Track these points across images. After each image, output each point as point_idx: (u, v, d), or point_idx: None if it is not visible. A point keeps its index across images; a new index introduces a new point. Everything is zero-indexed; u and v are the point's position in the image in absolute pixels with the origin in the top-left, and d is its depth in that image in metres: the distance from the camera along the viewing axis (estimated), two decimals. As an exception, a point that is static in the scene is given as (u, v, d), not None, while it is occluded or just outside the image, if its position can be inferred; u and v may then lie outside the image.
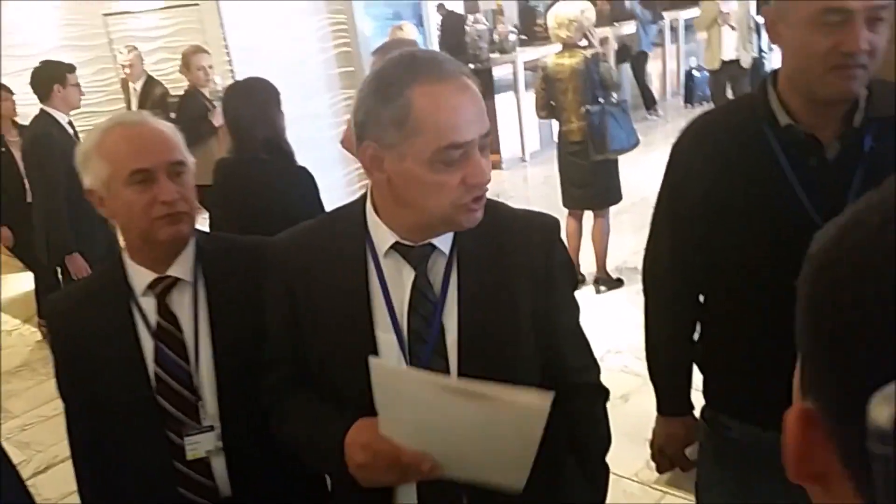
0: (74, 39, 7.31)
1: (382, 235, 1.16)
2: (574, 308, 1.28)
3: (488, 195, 1.12)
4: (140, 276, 1.37)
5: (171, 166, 1.32)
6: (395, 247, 1.15)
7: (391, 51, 2.62)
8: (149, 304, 1.37)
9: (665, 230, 1.44)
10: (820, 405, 0.40)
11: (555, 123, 4.63)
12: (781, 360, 1.28)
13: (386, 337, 1.16)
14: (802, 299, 0.41)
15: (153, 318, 1.36)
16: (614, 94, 4.30)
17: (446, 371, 1.14)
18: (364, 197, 1.21)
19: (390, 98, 1.05)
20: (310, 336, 1.20)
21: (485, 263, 1.17)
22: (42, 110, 3.96)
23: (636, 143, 4.34)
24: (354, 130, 1.11)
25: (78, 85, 4.09)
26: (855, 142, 1.20)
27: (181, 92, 6.23)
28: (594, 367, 1.31)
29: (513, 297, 1.18)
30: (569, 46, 4.18)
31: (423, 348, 1.15)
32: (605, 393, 1.31)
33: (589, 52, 4.15)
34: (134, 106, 5.79)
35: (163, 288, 1.37)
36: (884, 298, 0.35)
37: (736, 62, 6.93)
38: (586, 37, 4.20)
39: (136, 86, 5.77)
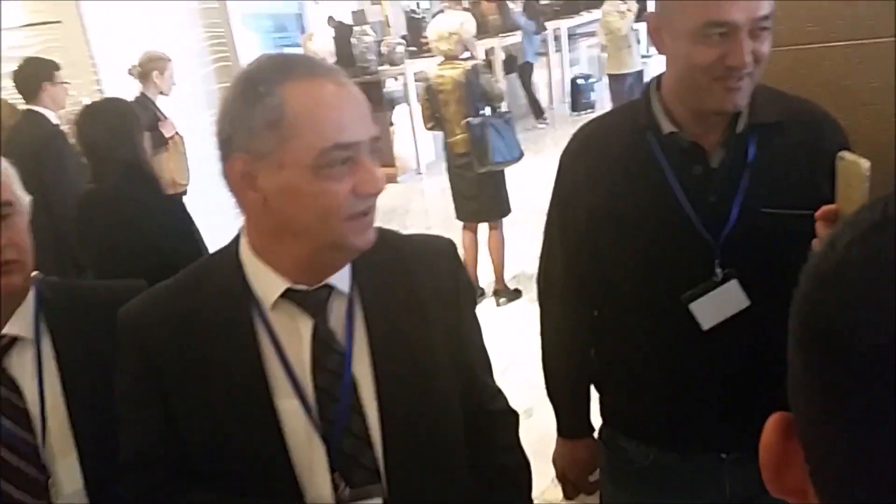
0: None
1: (268, 283, 0.98)
2: (479, 330, 1.18)
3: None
4: None
5: None
6: (287, 294, 0.98)
7: None
8: None
9: (556, 242, 1.39)
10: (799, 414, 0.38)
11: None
12: (675, 377, 1.28)
13: (288, 404, 0.98)
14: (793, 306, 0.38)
15: None
16: (499, 106, 4.31)
17: (365, 430, 0.99)
18: (237, 239, 1.02)
19: (260, 98, 0.89)
20: (190, 424, 0.99)
21: (391, 298, 1.03)
22: (30, 110, 3.64)
23: (519, 156, 4.37)
24: (219, 147, 0.94)
25: (64, 84, 3.81)
26: (739, 149, 1.18)
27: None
28: (501, 392, 1.22)
29: (427, 330, 1.05)
30: (450, 58, 4.18)
31: (335, 408, 0.98)
32: (517, 418, 1.22)
33: (469, 64, 4.16)
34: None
35: None
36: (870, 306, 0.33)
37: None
38: (467, 49, 4.20)
39: None
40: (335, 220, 0.90)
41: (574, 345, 1.42)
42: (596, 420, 1.49)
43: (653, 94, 1.24)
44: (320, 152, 0.88)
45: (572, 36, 10.99)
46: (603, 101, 10.12)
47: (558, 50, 10.67)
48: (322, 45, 4.16)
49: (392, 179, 7.83)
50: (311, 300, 0.99)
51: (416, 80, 7.64)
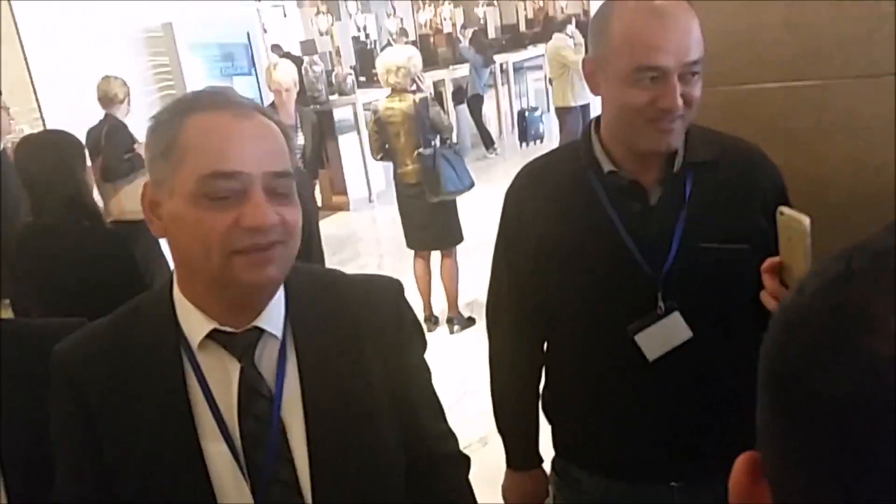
0: None
1: (194, 322, 0.95)
2: (427, 371, 1.14)
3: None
4: None
5: None
6: (213, 335, 0.94)
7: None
8: None
9: (503, 275, 1.40)
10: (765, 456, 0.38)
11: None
12: (624, 408, 1.30)
13: (215, 448, 0.94)
14: (762, 349, 0.38)
15: None
16: (449, 137, 4.37)
17: (294, 478, 0.95)
18: (171, 277, 1.00)
19: (161, 127, 0.90)
20: (118, 464, 0.95)
21: (327, 341, 0.99)
22: None
23: (471, 185, 4.43)
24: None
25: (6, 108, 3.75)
26: (676, 186, 1.22)
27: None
28: (453, 435, 1.17)
29: (364, 374, 1.00)
30: (398, 91, 4.23)
31: (262, 455, 0.94)
32: (468, 462, 1.18)
33: (418, 97, 4.22)
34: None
35: None
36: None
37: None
38: (415, 82, 4.25)
39: None
40: (217, 253, 0.86)
41: (522, 377, 1.43)
42: (546, 451, 1.49)
43: (592, 134, 1.27)
44: (199, 179, 0.86)
45: (519, 69, 11.22)
46: (551, 133, 10.36)
47: (505, 83, 10.88)
48: (285, 75, 4.16)
49: (343, 207, 7.82)
50: (237, 343, 0.95)
51: (365, 110, 7.68)
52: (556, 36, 7.76)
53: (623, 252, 1.21)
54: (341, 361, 0.99)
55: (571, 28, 7.98)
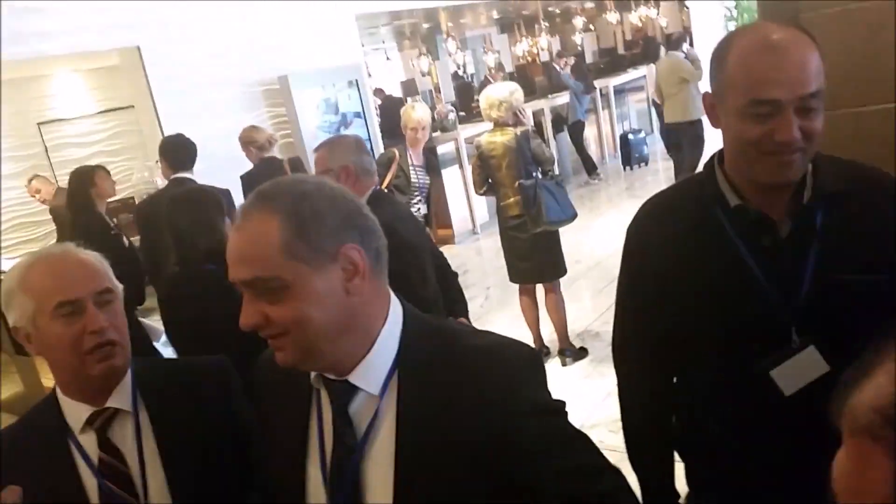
0: (9, 150, 7.18)
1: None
2: (574, 444, 1.05)
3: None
4: (76, 412, 1.30)
5: (97, 295, 1.28)
6: (321, 375, 1.03)
7: (340, 145, 2.63)
8: (89, 441, 1.29)
9: (628, 312, 1.41)
10: None
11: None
12: (759, 445, 1.27)
13: (314, 472, 1.03)
14: None
15: (95, 454, 1.28)
16: (551, 169, 4.41)
17: None
18: None
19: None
20: (264, 461, 1.13)
21: (431, 410, 0.96)
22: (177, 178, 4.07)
23: (573, 216, 4.41)
24: None
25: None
26: (807, 219, 1.20)
27: (123, 194, 6.13)
28: (614, 476, 1.06)
29: (466, 460, 0.95)
30: (500, 125, 4.32)
31: (338, 494, 1.00)
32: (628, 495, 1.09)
33: (519, 130, 4.29)
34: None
35: (102, 421, 1.30)
36: None
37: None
38: (516, 115, 4.34)
39: (55, 202, 5.51)
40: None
41: (653, 412, 1.42)
42: (681, 486, 1.48)
43: (716, 168, 1.27)
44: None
45: (619, 92, 11.10)
46: (655, 155, 10.16)
47: (606, 107, 10.79)
48: (423, 114, 4.41)
49: (448, 241, 7.96)
50: (334, 389, 1.02)
51: (466, 143, 7.83)
52: (669, 53, 7.76)
53: (754, 286, 1.20)
54: (441, 439, 0.96)
55: (686, 46, 8.01)
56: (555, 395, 1.09)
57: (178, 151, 4.12)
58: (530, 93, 11.28)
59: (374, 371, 0.99)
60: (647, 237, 1.34)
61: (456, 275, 3.13)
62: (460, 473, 0.95)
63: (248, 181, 4.60)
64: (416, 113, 4.42)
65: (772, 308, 1.19)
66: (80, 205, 4.20)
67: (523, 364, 1.02)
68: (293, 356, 0.97)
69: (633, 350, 1.42)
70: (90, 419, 1.29)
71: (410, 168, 4.45)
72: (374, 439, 0.99)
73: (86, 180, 4.18)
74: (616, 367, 1.47)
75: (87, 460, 1.27)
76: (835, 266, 1.18)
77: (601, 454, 1.08)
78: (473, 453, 0.95)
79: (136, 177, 7.19)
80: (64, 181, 6.69)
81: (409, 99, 9.02)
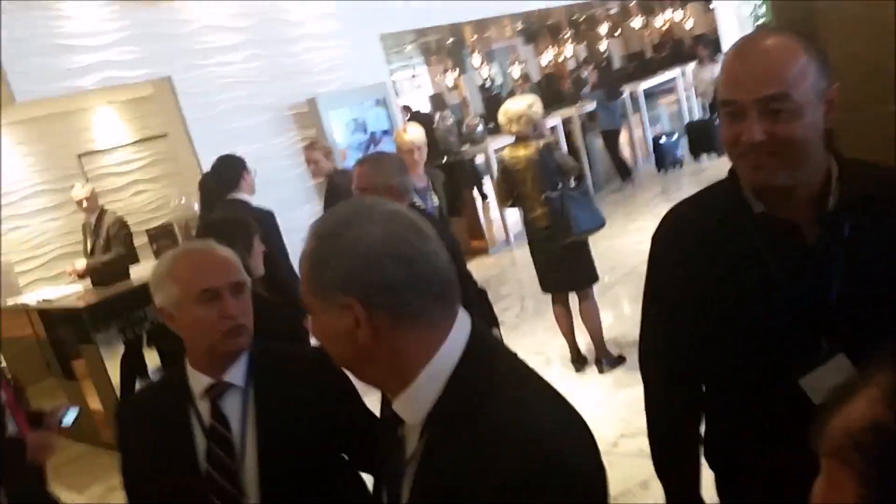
0: (50, 182, 7.40)
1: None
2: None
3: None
4: (199, 381, 1.51)
5: (233, 286, 1.50)
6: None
7: (385, 164, 2.64)
8: (204, 407, 1.50)
9: (655, 321, 1.39)
10: None
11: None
12: (789, 454, 1.23)
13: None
14: None
15: (207, 419, 1.49)
16: (576, 177, 4.38)
17: None
18: None
19: None
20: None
21: (444, 464, 0.91)
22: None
23: (602, 224, 4.37)
24: None
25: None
26: (834, 225, 1.17)
27: (159, 222, 6.25)
28: None
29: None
30: (521, 139, 4.29)
31: None
32: None
33: (542, 142, 4.27)
34: (89, 241, 5.60)
35: (217, 392, 1.50)
36: None
37: None
38: (537, 128, 4.32)
39: (92, 219, 5.58)
40: None
41: (680, 422, 1.40)
42: (708, 495, 1.45)
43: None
44: None
45: (650, 95, 11.00)
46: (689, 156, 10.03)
47: (637, 111, 10.69)
48: (416, 136, 4.35)
49: (483, 251, 7.96)
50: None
51: (496, 152, 7.84)
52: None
53: (782, 294, 1.17)
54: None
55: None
56: (593, 405, 1.08)
57: (223, 174, 4.24)
58: (559, 101, 11.26)
59: (414, 404, 0.95)
60: (671, 246, 1.33)
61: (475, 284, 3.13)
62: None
63: (331, 189, 4.74)
64: (407, 135, 4.27)
65: (800, 316, 1.16)
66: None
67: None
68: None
69: (659, 359, 1.40)
70: (208, 389, 1.50)
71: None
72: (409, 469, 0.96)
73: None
74: (643, 375, 1.45)
75: (201, 423, 1.49)
76: (863, 273, 1.14)
77: None
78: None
79: (173, 203, 7.36)
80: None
81: (438, 113, 9.07)
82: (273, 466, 1.47)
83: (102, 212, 5.59)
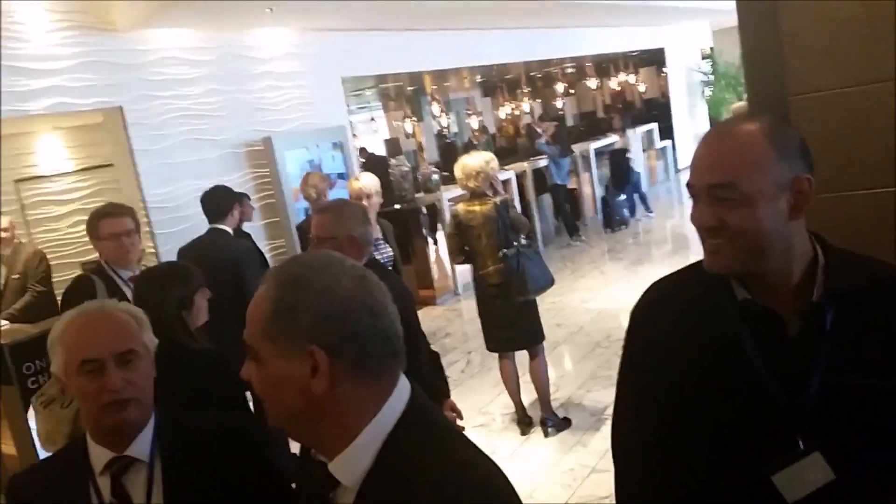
0: (-17, 207, 7.06)
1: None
2: None
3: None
4: (99, 456, 1.42)
5: (119, 356, 1.40)
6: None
7: (347, 214, 2.52)
8: (105, 484, 1.40)
9: (628, 403, 1.35)
10: None
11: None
12: None
13: None
14: None
15: (107, 497, 1.39)
16: (528, 234, 4.41)
17: None
18: None
19: None
20: None
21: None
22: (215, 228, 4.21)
23: (551, 282, 4.41)
24: None
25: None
26: (816, 318, 1.15)
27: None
28: None
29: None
30: (477, 195, 4.29)
31: None
32: None
33: (498, 199, 4.28)
34: (2, 277, 5.23)
35: (119, 468, 1.41)
36: None
37: None
38: (493, 185, 4.33)
39: (7, 251, 5.28)
40: None
41: None
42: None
43: None
44: None
45: (600, 154, 11.28)
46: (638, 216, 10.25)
47: (587, 169, 10.94)
48: (369, 184, 4.30)
49: (430, 302, 7.89)
50: None
51: (449, 202, 7.85)
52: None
53: (759, 385, 1.14)
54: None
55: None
56: (537, 469, 1.08)
57: (206, 203, 4.28)
58: (512, 154, 11.42)
59: (351, 465, 0.96)
60: (650, 324, 1.29)
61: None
62: None
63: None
64: (360, 182, 4.26)
65: (777, 410, 1.13)
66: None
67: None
68: (273, 422, 0.99)
69: (631, 442, 1.34)
70: (109, 464, 1.41)
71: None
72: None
73: None
74: (614, 458, 1.40)
75: (100, 502, 1.39)
76: (845, 369, 1.12)
77: None
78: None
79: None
80: (39, 237, 6.55)
81: (392, 159, 9.07)
82: None
83: (18, 245, 5.27)
